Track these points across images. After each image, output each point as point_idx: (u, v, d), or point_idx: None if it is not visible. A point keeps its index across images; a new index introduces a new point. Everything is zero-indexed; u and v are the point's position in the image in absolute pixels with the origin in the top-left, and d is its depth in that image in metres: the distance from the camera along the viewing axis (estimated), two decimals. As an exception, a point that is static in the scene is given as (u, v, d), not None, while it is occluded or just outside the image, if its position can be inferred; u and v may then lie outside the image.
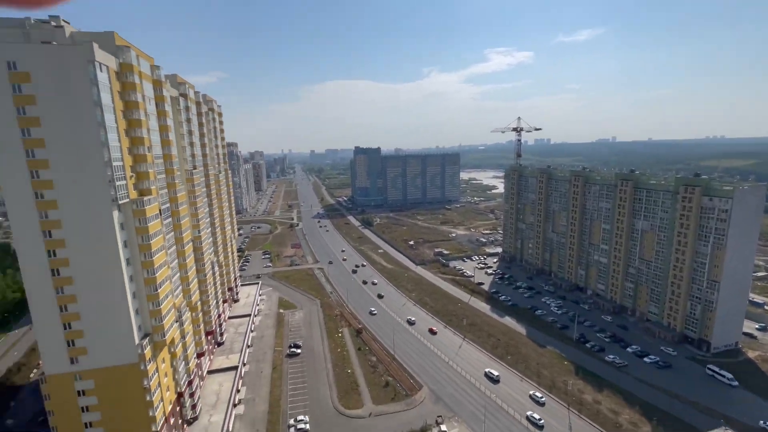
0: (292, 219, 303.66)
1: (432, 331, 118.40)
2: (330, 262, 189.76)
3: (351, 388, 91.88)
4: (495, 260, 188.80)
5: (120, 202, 55.01)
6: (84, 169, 51.70)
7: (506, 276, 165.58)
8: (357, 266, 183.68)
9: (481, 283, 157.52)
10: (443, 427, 76.81)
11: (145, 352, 58.56)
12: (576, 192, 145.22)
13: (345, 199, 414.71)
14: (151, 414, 59.46)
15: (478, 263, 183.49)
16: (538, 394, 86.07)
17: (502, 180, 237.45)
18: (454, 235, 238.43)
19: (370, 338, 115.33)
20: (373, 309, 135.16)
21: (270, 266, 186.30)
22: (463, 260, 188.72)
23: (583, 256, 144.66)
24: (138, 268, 59.25)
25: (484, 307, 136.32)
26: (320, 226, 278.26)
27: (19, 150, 49.45)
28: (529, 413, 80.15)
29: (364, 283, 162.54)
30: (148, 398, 59.00)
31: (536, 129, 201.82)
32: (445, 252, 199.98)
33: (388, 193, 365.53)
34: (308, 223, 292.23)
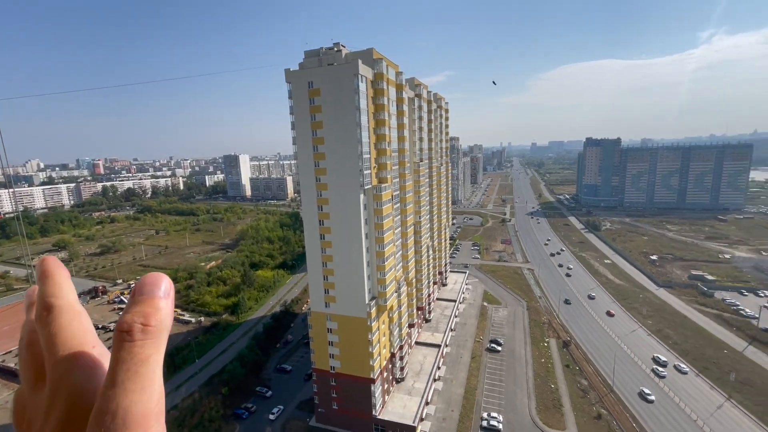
0: (505, 214, 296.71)
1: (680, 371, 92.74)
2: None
3: (553, 405, 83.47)
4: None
5: (365, 188, 67.96)
6: (345, 160, 66.47)
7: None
8: (570, 269, 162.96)
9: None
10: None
11: (372, 311, 71.14)
12: None
13: (567, 197, 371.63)
14: (371, 363, 72.13)
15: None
16: None
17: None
18: (728, 256, 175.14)
19: (582, 358, 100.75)
20: (588, 328, 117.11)
21: (478, 258, 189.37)
22: (741, 293, 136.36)
23: None
24: (372, 243, 72.12)
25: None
26: (534, 226, 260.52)
27: (309, 146, 68.25)
28: None
29: (590, 297, 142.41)
30: (370, 349, 71.71)
31: None
32: (709, 277, 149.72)
33: (626, 193, 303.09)
34: (522, 219, 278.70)
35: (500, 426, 76.66)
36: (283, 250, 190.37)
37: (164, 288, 1.38)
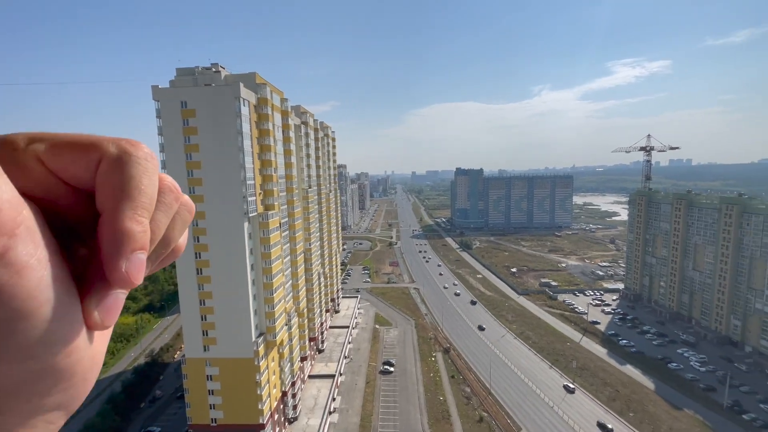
0: (391, 237, 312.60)
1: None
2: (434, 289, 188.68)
3: (442, 416, 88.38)
4: (614, 297, 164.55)
5: (249, 215, 63.98)
6: (225, 186, 61.78)
7: (629, 317, 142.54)
8: (455, 291, 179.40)
9: (596, 322, 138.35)
10: (545, 482, 68.11)
11: (259, 349, 65.73)
12: (728, 223, 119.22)
13: (444, 220, 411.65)
14: (259, 407, 65.90)
15: (593, 299, 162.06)
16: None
17: (625, 206, 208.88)
18: (564, 265, 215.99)
19: (465, 367, 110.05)
20: (468, 339, 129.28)
21: (369, 281, 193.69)
22: (575, 294, 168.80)
23: (738, 303, 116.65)
24: (259, 274, 67.59)
25: (598, 350, 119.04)
26: (418, 247, 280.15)
27: (183, 170, 61.57)
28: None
29: (469, 310, 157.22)
30: (258, 392, 65.66)
31: (672, 148, 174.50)
32: (553, 283, 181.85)
33: (490, 215, 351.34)
34: (406, 242, 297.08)
35: (396, 448, 77.50)
36: (148, 290, 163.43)
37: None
